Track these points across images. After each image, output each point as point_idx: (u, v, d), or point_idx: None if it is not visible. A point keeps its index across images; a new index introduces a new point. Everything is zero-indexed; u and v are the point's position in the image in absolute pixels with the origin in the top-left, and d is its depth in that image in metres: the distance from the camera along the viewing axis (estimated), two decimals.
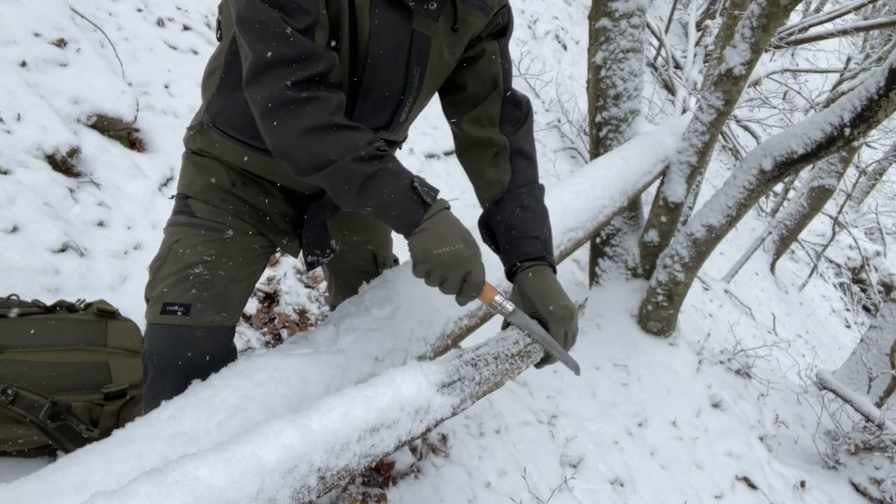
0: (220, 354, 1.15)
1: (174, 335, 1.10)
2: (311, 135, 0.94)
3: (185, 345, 1.10)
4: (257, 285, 2.36)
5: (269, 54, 0.92)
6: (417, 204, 0.99)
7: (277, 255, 2.53)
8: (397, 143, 1.37)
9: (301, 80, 0.93)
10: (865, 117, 2.34)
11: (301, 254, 1.36)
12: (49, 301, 1.62)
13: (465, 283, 1.00)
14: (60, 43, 2.40)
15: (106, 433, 1.07)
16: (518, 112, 1.27)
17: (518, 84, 5.06)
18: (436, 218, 0.99)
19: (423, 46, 1.09)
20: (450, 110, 1.29)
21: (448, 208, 1.03)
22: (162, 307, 1.11)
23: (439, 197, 1.02)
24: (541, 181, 1.30)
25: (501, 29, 1.21)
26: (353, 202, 0.99)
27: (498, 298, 1.06)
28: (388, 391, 0.88)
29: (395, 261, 1.62)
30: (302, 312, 2.38)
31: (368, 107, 1.13)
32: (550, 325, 1.09)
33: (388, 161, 0.99)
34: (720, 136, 7.25)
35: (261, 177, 1.26)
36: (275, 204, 1.28)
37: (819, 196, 5.97)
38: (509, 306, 1.07)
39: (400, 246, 1.64)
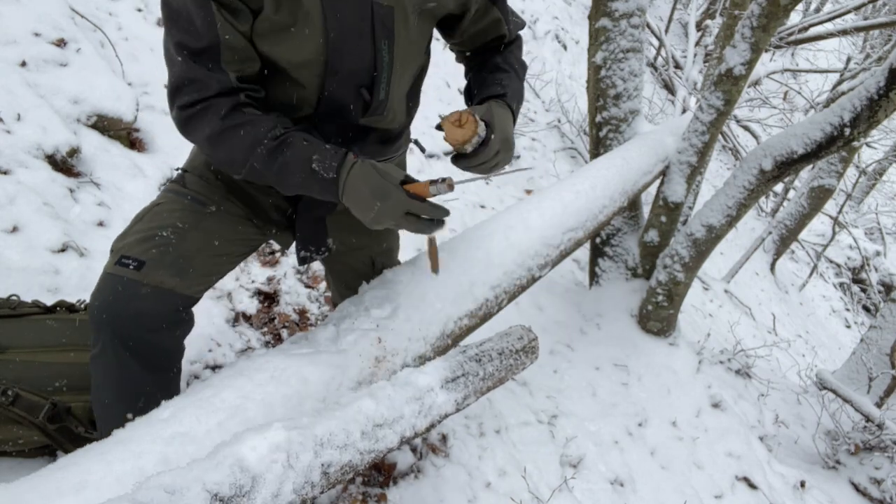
0: (166, 321, 1.14)
1: (119, 285, 1.09)
2: (212, 143, 1.03)
3: (127, 298, 1.09)
4: (257, 285, 2.35)
5: (168, 81, 1.02)
6: (327, 181, 1.02)
7: (277, 254, 2.53)
8: (391, 135, 1.32)
9: (188, 103, 1.00)
10: (865, 117, 2.34)
11: (295, 247, 1.35)
12: (49, 301, 1.62)
13: (404, 222, 1.02)
14: (60, 43, 2.40)
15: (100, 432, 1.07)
16: (514, 44, 1.35)
17: None
18: (347, 190, 1.02)
19: (387, 19, 1.08)
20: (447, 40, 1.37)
21: (353, 165, 1.03)
22: (118, 259, 1.12)
23: (344, 160, 1.03)
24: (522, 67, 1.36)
25: None
26: (288, 192, 1.08)
27: (432, 189, 1.03)
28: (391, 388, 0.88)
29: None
30: (302, 312, 2.38)
31: (340, 87, 1.13)
32: (493, 139, 1.13)
33: (287, 148, 1.02)
34: (720, 136, 7.25)
35: None
36: (268, 194, 1.28)
37: (819, 196, 5.97)
38: (444, 188, 1.04)
39: (404, 250, 1.65)
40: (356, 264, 1.49)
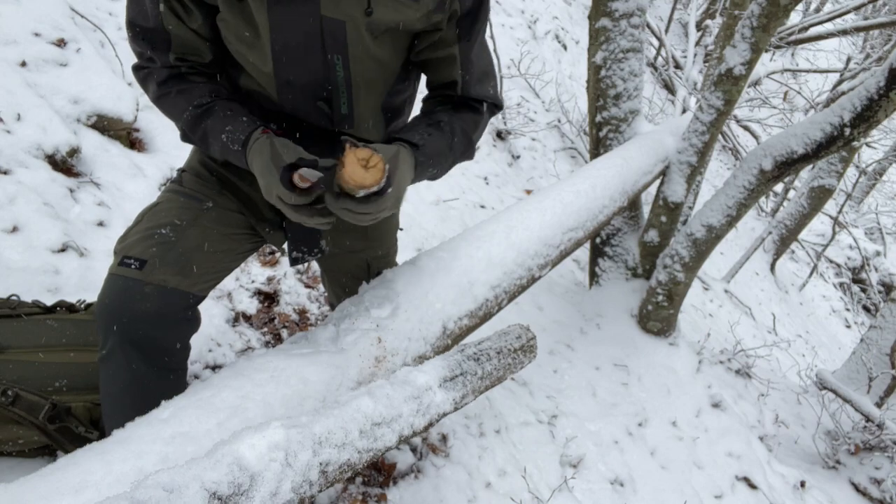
0: (171, 320, 1.14)
1: (123, 286, 1.10)
2: (156, 105, 1.12)
3: (132, 298, 1.09)
4: (257, 285, 2.35)
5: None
6: (237, 153, 1.06)
7: (277, 254, 2.53)
8: (373, 143, 1.29)
9: (136, 66, 1.11)
10: (865, 117, 2.34)
11: (287, 247, 1.34)
12: (49, 301, 1.62)
13: (279, 205, 0.99)
14: (60, 43, 2.41)
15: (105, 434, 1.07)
16: (474, 114, 1.20)
17: (518, 84, 5.07)
18: (250, 164, 1.04)
19: (338, 33, 1.03)
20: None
21: (256, 140, 1.03)
22: (120, 260, 1.13)
23: (251, 134, 1.04)
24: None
25: (465, 18, 1.09)
26: (219, 158, 1.13)
27: (305, 172, 0.95)
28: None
29: None
30: (302, 312, 2.38)
31: (296, 99, 1.12)
32: (388, 194, 1.00)
33: (209, 117, 1.07)
34: (720, 136, 7.25)
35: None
36: (259, 190, 1.26)
37: (819, 196, 5.96)
38: (316, 173, 0.98)
39: (404, 250, 1.65)
40: (351, 267, 1.47)
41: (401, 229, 1.26)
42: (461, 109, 1.19)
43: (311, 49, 1.04)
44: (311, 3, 0.99)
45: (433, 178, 1.19)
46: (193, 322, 1.22)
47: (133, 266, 1.11)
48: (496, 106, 1.25)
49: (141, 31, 1.06)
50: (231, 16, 1.03)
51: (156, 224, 1.16)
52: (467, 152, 1.22)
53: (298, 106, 1.14)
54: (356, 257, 1.44)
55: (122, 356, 1.11)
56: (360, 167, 0.92)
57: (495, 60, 4.42)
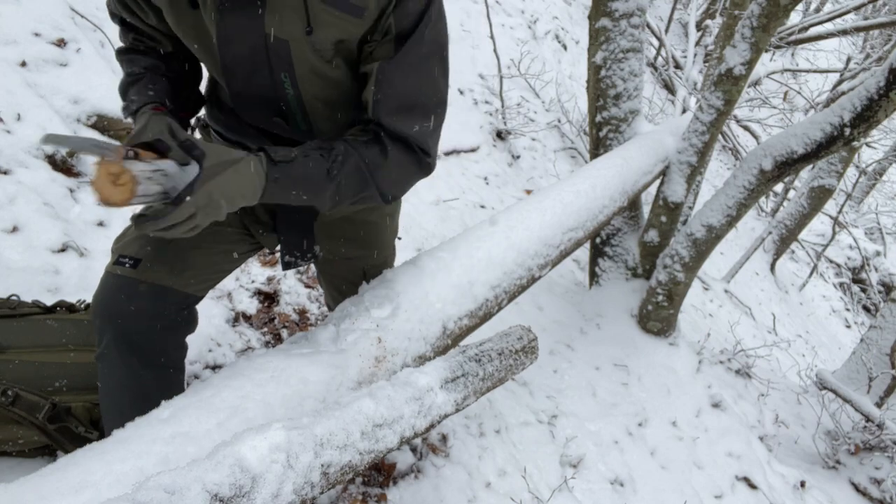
0: (166, 319, 1.14)
1: (117, 284, 1.10)
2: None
3: (126, 296, 1.09)
4: (257, 285, 2.35)
5: None
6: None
7: (277, 254, 2.53)
8: None
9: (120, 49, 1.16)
10: (865, 117, 2.34)
11: (280, 251, 1.32)
12: (49, 301, 1.62)
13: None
14: (60, 43, 2.40)
15: (105, 432, 1.07)
16: (380, 152, 1.04)
17: (518, 84, 5.06)
18: None
19: (282, 51, 0.99)
20: None
21: (142, 114, 1.01)
22: (116, 258, 1.13)
23: (140, 108, 1.04)
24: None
25: (400, 38, 0.98)
26: None
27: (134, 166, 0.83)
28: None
29: None
30: (302, 312, 2.38)
31: (252, 113, 1.12)
32: (187, 202, 0.87)
33: (132, 87, 1.09)
34: (720, 136, 7.25)
35: None
36: None
37: (819, 196, 5.97)
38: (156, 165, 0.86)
39: (404, 250, 1.65)
40: (347, 274, 1.44)
41: (399, 238, 1.23)
42: (371, 144, 1.04)
43: (259, 66, 1.02)
44: (256, 20, 0.96)
45: (319, 205, 1.04)
46: (189, 322, 1.22)
47: (128, 264, 1.11)
48: (421, 150, 1.05)
49: (111, 12, 1.14)
50: (182, 28, 1.03)
51: None
52: (365, 192, 1.06)
53: (255, 119, 1.13)
54: (351, 264, 1.42)
55: (116, 354, 1.11)
56: (109, 182, 0.80)
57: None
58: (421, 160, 1.07)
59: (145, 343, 1.12)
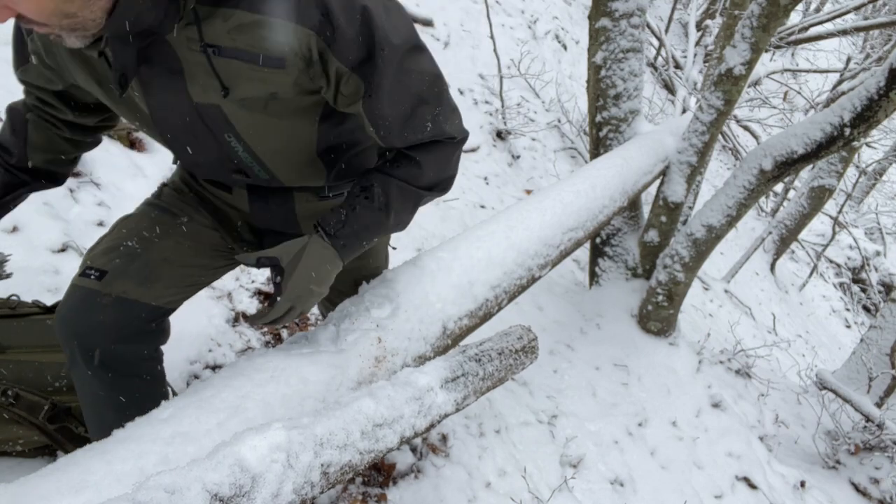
0: (130, 331, 1.12)
1: (81, 297, 1.09)
2: None
3: (88, 309, 1.08)
4: (257, 285, 2.35)
5: None
6: None
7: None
8: (323, 190, 1.20)
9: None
10: (865, 117, 2.35)
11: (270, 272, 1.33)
12: (49, 301, 1.62)
13: None
14: None
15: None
16: (410, 165, 1.03)
17: (518, 84, 5.07)
18: None
19: (216, 115, 0.95)
20: None
21: None
22: (83, 270, 1.11)
23: None
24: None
25: (362, 68, 0.90)
26: None
27: None
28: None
29: None
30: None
31: (211, 173, 1.12)
32: (279, 301, 0.99)
33: None
34: (720, 136, 7.25)
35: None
36: (236, 209, 1.25)
37: (819, 196, 5.97)
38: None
39: (404, 250, 1.65)
40: (337, 284, 1.43)
41: (393, 248, 1.20)
42: (400, 162, 1.03)
43: (199, 133, 1.00)
44: (180, 93, 0.93)
45: (389, 234, 1.08)
46: (158, 334, 1.19)
47: (92, 276, 1.09)
48: (446, 138, 1.03)
49: (12, 63, 1.06)
50: (120, 110, 1.03)
51: (124, 234, 1.15)
52: (421, 200, 1.07)
53: (216, 177, 1.12)
54: (344, 274, 1.42)
55: (84, 367, 1.10)
56: None
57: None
58: (447, 144, 1.04)
59: (107, 356, 1.10)
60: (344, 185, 1.22)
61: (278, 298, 0.98)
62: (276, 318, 0.99)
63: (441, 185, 1.08)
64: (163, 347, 1.25)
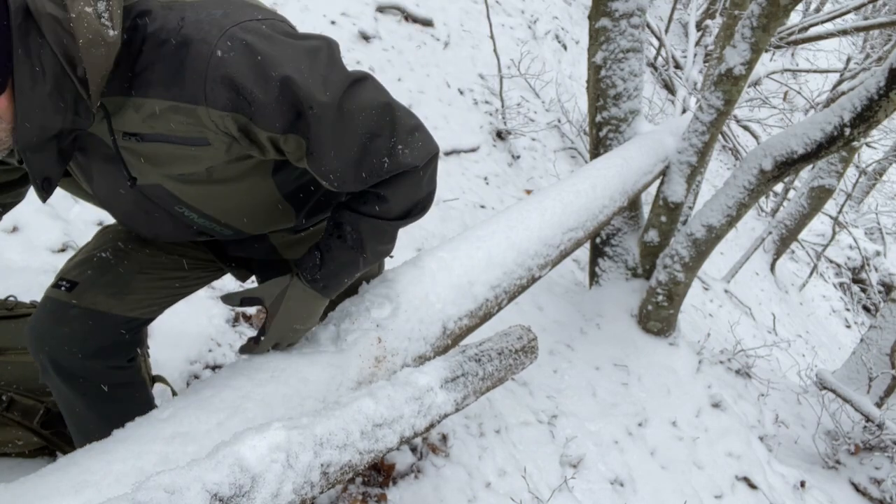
0: (102, 344, 1.11)
1: (50, 308, 1.09)
2: None
3: (57, 320, 1.07)
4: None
5: None
6: None
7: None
8: (297, 227, 1.21)
9: None
10: (865, 117, 2.34)
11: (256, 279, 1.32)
12: None
13: None
14: None
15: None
16: (377, 201, 0.99)
17: (518, 84, 5.07)
18: None
19: (161, 192, 0.96)
20: None
21: None
22: (56, 281, 1.11)
23: None
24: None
25: (297, 128, 0.86)
26: None
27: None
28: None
29: None
30: None
31: (176, 240, 1.12)
32: (264, 340, 1.07)
33: None
34: (720, 136, 7.25)
35: None
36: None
37: (819, 196, 5.97)
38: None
39: (404, 250, 1.64)
40: None
41: (391, 256, 1.19)
42: (367, 198, 0.99)
43: (149, 209, 1.00)
44: (120, 178, 0.93)
45: (369, 266, 1.07)
46: (131, 344, 1.17)
47: (63, 288, 1.09)
48: (410, 167, 0.95)
49: None
50: (65, 189, 1.03)
51: (98, 246, 1.15)
52: (395, 230, 1.04)
53: (182, 241, 1.12)
54: None
55: (57, 378, 1.10)
56: None
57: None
58: (412, 173, 0.97)
59: (76, 367, 1.10)
60: (319, 217, 1.22)
61: (262, 338, 1.05)
62: (262, 353, 1.06)
63: (416, 209, 1.03)
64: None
